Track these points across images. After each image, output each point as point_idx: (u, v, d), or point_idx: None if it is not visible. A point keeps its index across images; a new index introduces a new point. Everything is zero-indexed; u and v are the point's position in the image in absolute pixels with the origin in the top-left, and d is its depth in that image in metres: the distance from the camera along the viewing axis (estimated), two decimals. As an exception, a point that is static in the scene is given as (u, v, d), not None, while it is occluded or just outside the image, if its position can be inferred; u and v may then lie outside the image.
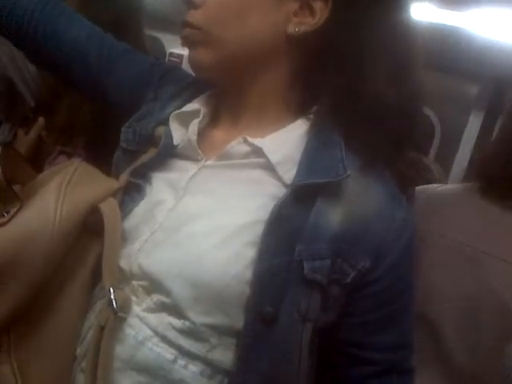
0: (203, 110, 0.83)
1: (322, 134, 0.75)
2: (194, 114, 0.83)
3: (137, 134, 0.85)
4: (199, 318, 0.72)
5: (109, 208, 0.78)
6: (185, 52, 1.37)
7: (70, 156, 1.30)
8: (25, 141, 1.33)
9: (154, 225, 0.78)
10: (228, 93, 0.82)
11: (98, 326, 0.74)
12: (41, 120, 1.35)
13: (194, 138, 0.81)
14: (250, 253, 0.72)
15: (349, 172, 0.72)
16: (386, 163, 0.76)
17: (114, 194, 0.81)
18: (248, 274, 0.71)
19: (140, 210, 0.80)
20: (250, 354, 0.72)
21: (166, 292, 0.73)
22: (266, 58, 0.75)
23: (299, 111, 0.77)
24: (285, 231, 0.72)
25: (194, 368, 0.74)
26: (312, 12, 0.72)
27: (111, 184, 0.82)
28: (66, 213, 0.75)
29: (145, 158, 0.83)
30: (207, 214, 0.76)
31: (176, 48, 2.72)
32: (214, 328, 0.72)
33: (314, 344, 0.75)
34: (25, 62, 1.34)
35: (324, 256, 0.72)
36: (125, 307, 0.74)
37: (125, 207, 0.80)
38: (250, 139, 0.76)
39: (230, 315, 0.72)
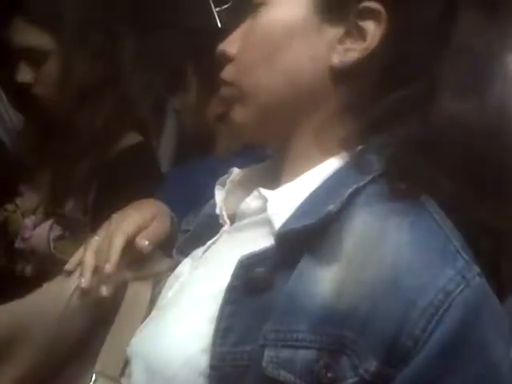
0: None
1: (350, 171, 0.57)
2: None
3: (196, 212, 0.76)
4: None
5: (134, 292, 0.71)
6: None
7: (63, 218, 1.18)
8: None
9: (161, 300, 0.67)
10: (271, 145, 0.69)
11: None
12: None
13: (220, 198, 0.69)
14: (210, 331, 0.54)
15: (332, 208, 0.51)
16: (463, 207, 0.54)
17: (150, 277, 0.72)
18: (203, 361, 0.53)
19: (165, 287, 0.69)
20: None
21: (131, 376, 0.60)
22: (308, 101, 0.60)
23: (335, 149, 0.59)
24: (253, 303, 0.53)
25: None
26: (362, 34, 0.57)
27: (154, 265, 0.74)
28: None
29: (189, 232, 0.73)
30: (194, 284, 0.62)
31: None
32: None
33: None
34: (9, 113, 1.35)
35: (301, 343, 0.49)
36: None
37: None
38: (262, 191, 0.60)
39: None
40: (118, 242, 0.70)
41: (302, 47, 0.59)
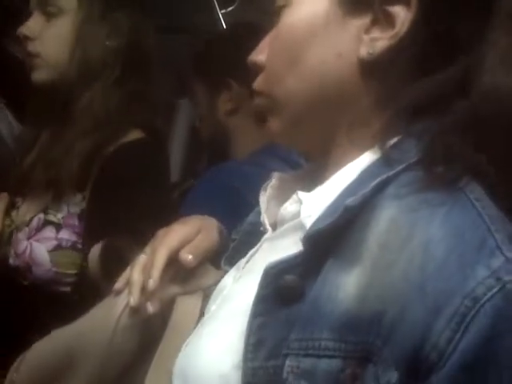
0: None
1: (384, 163, 0.53)
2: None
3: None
4: None
5: (182, 308, 0.68)
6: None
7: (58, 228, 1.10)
8: None
9: (206, 315, 0.65)
10: (309, 150, 0.66)
11: None
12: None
13: (263, 204, 0.66)
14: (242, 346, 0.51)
15: (351, 201, 0.48)
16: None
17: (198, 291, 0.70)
18: (236, 378, 0.50)
19: (210, 301, 0.67)
20: None
21: None
22: (339, 100, 0.57)
23: (371, 144, 0.56)
24: (283, 314, 0.50)
25: None
26: (390, 21, 0.53)
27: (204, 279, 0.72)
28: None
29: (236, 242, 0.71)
30: (233, 297, 0.60)
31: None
32: None
33: None
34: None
35: (323, 352, 0.46)
36: None
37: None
38: (299, 194, 0.57)
39: None
40: (161, 257, 0.69)
41: (327, 44, 0.55)
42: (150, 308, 0.67)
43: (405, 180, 0.49)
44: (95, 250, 0.86)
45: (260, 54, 0.61)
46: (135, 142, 1.12)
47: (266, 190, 0.67)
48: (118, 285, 0.71)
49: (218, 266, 0.73)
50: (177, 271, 0.71)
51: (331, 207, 0.51)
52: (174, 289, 0.70)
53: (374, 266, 0.46)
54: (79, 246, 1.09)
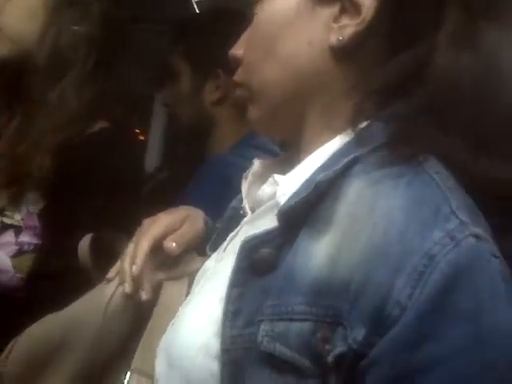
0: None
1: (354, 144, 0.56)
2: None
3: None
4: None
5: (168, 292, 0.71)
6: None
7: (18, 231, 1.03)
8: None
9: (189, 296, 0.68)
10: (286, 138, 0.69)
11: None
12: None
13: (244, 190, 0.69)
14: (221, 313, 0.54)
15: (322, 177, 0.51)
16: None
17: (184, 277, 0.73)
18: (216, 346, 0.53)
19: (194, 284, 0.70)
20: None
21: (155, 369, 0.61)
22: (313, 87, 0.60)
23: (344, 127, 0.58)
24: (259, 284, 0.53)
25: None
26: (357, 9, 0.56)
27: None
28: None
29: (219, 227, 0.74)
30: (215, 275, 0.62)
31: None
32: None
33: None
34: None
35: (296, 316, 0.48)
36: None
37: None
38: (275, 176, 0.60)
39: None
40: (144, 245, 0.71)
41: (299, 34, 0.58)
42: (143, 295, 0.70)
43: (372, 159, 0.52)
44: (85, 242, 0.86)
45: (238, 48, 0.64)
46: (100, 133, 1.07)
47: (247, 178, 0.70)
48: (110, 274, 0.74)
49: (203, 254, 0.75)
50: (163, 259, 0.73)
51: (304, 185, 0.54)
52: (160, 275, 0.73)
53: (342, 236, 0.49)
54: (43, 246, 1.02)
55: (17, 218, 1.03)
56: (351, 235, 0.48)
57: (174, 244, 0.72)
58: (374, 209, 0.48)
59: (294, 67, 0.59)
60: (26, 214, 1.03)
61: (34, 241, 1.03)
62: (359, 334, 0.46)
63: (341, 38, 0.56)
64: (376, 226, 0.47)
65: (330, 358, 0.46)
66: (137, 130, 2.71)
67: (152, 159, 1.91)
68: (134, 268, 0.69)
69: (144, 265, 0.70)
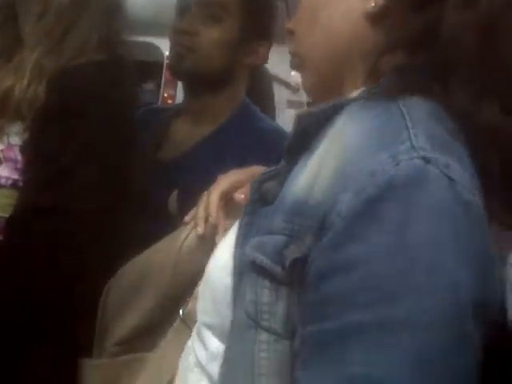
0: None
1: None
2: None
3: None
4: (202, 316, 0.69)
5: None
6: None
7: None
8: None
9: None
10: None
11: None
12: None
13: None
14: None
15: (315, 109, 0.59)
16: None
17: None
18: (230, 264, 0.63)
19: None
20: None
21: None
22: (352, 49, 0.66)
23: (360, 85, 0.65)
24: (265, 212, 0.61)
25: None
26: None
27: None
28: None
29: None
30: None
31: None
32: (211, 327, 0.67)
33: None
34: None
35: (274, 229, 0.56)
36: (188, 317, 0.76)
37: None
38: None
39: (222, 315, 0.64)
40: (214, 198, 0.83)
41: (338, 4, 0.66)
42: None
43: (361, 101, 0.58)
44: (173, 196, 1.01)
45: (291, 23, 0.73)
46: (90, 64, 0.98)
47: None
48: (187, 218, 0.86)
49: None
50: (231, 209, 0.82)
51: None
52: (228, 222, 0.82)
53: (320, 162, 0.56)
54: (21, 184, 0.96)
55: None
56: (324, 161, 0.55)
57: (242, 195, 0.82)
58: (342, 136, 0.55)
59: (335, 33, 0.66)
60: (6, 146, 0.97)
61: (14, 176, 0.97)
62: (308, 240, 0.52)
63: (373, 4, 0.63)
64: (340, 151, 0.53)
65: (287, 263, 0.53)
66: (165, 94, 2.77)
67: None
68: (210, 218, 0.81)
69: (217, 212, 0.81)
